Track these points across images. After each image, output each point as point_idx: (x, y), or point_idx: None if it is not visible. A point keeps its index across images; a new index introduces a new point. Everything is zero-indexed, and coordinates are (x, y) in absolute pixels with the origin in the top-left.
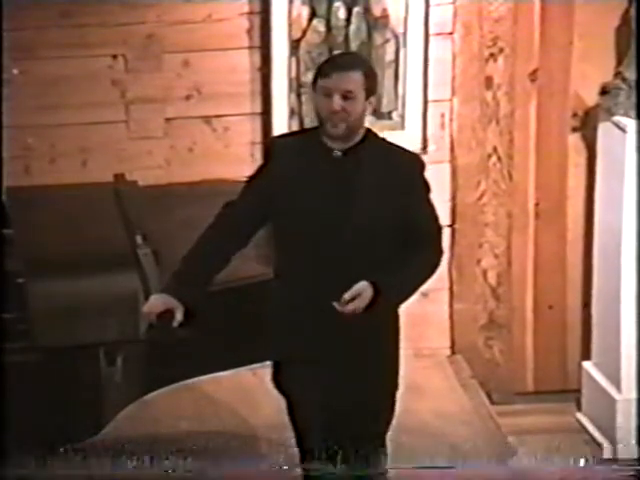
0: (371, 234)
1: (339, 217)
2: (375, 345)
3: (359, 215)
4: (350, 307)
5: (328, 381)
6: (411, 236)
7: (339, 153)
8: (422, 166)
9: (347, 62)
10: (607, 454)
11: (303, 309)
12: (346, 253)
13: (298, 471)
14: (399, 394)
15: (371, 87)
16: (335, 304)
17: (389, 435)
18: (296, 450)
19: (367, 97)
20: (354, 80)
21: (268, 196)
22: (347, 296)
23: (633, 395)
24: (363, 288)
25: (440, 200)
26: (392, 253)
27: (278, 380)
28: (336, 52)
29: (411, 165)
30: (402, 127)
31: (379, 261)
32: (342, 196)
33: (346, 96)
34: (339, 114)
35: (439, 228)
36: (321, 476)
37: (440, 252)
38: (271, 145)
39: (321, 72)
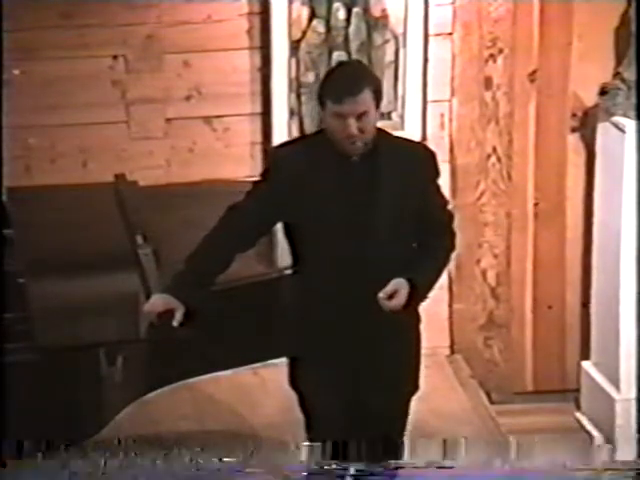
0: (395, 231)
1: (363, 218)
2: (395, 345)
3: (383, 215)
4: (394, 303)
5: (346, 380)
6: (429, 225)
7: (356, 158)
8: (432, 155)
9: (356, 83)
10: (606, 454)
11: (323, 307)
12: (370, 253)
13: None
14: None
15: (380, 97)
16: (380, 301)
17: None
18: (301, 448)
19: (377, 107)
20: (367, 101)
21: (279, 204)
22: (386, 292)
23: (632, 395)
24: (401, 284)
25: None
26: (412, 246)
27: (293, 377)
28: (340, 58)
29: (423, 157)
30: (402, 127)
31: (402, 257)
32: (364, 198)
33: (360, 117)
34: (356, 135)
35: (450, 212)
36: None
37: (454, 235)
38: (276, 154)
39: (331, 95)
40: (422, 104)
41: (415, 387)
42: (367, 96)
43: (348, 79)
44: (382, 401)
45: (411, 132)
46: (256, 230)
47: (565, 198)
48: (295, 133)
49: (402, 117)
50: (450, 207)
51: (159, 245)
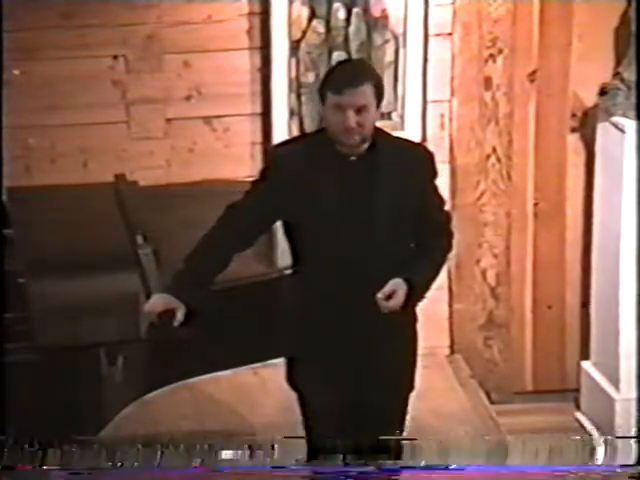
0: (393, 231)
1: (362, 218)
2: (393, 344)
3: (382, 214)
4: (392, 304)
5: (344, 379)
6: (427, 225)
7: (355, 157)
8: (431, 155)
9: (358, 76)
10: (606, 454)
11: (323, 307)
12: (370, 253)
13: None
14: None
15: (381, 95)
16: (379, 302)
17: None
18: (301, 448)
19: (378, 105)
20: (366, 94)
21: (278, 203)
22: (384, 293)
23: (632, 394)
24: (398, 285)
25: None
26: (410, 246)
27: (292, 377)
28: (340, 58)
29: (421, 157)
30: (402, 128)
31: (400, 257)
32: (363, 198)
33: (360, 110)
34: (354, 129)
35: (448, 213)
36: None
37: (451, 236)
38: (276, 153)
39: (331, 87)
40: (422, 104)
41: (411, 386)
42: (367, 90)
43: (349, 73)
44: (381, 400)
45: (411, 132)
46: (255, 229)
47: (565, 198)
48: (295, 133)
49: (402, 117)
50: (447, 207)
51: (159, 245)
